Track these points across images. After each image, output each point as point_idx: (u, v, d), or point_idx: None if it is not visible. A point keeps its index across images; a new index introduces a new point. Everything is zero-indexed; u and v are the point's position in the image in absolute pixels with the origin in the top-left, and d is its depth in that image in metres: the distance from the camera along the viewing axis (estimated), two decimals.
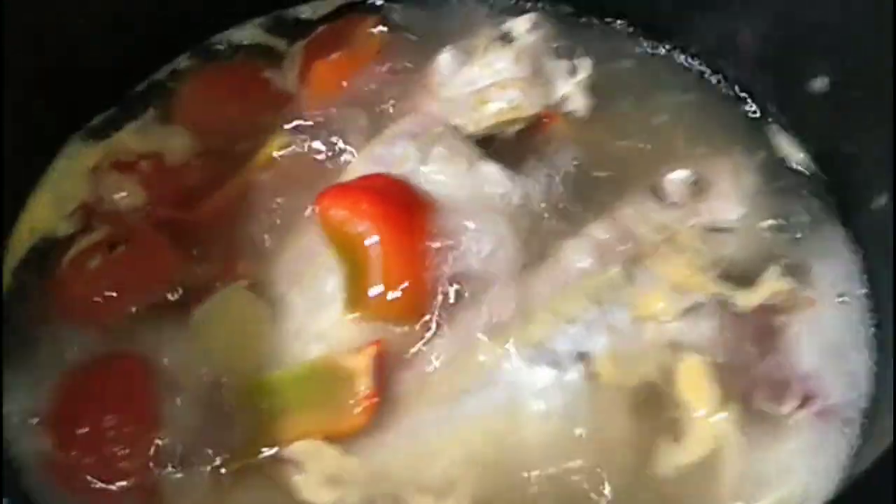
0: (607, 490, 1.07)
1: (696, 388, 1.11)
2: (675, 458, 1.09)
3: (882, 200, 1.15)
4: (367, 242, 1.15)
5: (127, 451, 1.08)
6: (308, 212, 1.23)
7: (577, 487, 1.07)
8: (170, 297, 1.19)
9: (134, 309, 1.18)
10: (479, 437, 1.10)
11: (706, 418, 1.10)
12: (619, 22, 1.44)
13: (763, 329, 1.14)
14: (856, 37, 1.15)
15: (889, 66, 1.09)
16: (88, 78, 1.32)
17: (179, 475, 1.08)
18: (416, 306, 1.16)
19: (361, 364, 1.12)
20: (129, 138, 1.34)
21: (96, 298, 1.18)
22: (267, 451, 1.10)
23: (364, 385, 1.11)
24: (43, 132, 1.29)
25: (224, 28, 1.45)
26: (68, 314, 1.19)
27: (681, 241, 1.20)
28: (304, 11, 1.48)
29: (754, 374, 1.12)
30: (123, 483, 1.07)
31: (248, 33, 1.46)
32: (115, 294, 1.18)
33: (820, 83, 1.22)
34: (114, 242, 1.22)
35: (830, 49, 1.19)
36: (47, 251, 1.25)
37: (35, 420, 1.13)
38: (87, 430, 1.10)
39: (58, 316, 1.19)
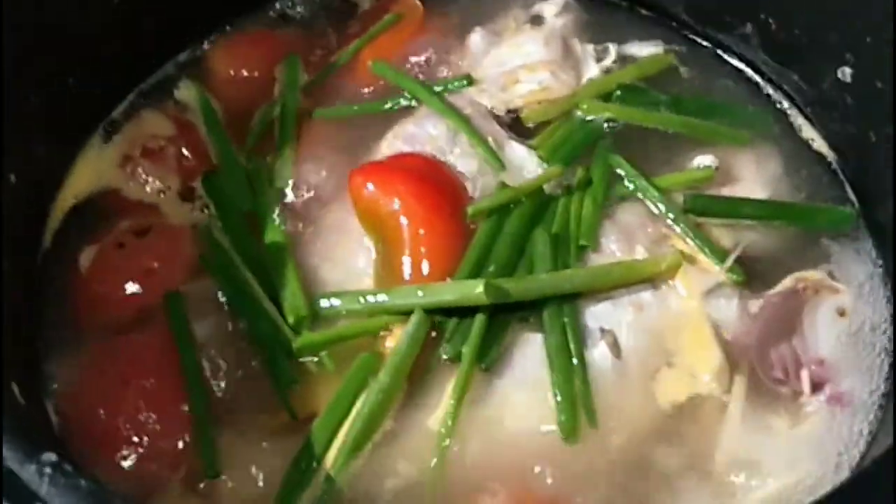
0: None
1: (700, 350, 1.12)
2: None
3: None
4: (400, 221, 1.16)
5: (154, 416, 1.09)
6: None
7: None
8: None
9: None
10: None
11: (710, 383, 1.10)
12: (644, 11, 1.47)
13: (784, 313, 1.16)
14: (878, 27, 1.16)
15: None
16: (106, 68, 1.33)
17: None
18: None
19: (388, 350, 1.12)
20: (154, 122, 1.34)
21: (121, 292, 1.19)
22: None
23: None
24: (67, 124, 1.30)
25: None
26: (94, 306, 1.20)
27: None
28: None
29: (769, 354, 1.13)
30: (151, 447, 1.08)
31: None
32: (141, 286, 1.19)
33: (843, 73, 1.24)
34: (141, 230, 1.23)
35: (854, 38, 1.21)
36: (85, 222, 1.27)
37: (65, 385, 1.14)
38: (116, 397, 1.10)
39: (84, 306, 1.20)
